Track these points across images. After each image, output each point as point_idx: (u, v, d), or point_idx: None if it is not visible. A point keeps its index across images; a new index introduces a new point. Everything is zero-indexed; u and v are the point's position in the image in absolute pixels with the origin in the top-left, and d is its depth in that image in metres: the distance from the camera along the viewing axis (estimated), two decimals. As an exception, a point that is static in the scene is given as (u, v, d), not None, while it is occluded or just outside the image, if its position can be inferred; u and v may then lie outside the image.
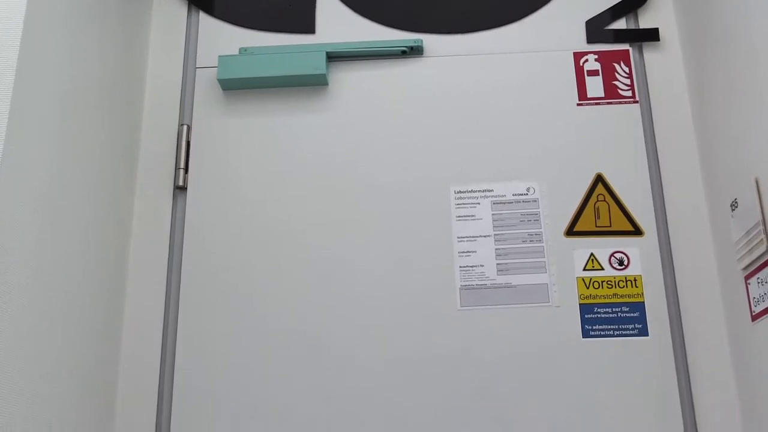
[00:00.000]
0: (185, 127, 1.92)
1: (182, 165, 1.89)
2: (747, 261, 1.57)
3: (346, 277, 1.79)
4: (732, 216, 1.64)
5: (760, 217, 1.50)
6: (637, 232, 1.78)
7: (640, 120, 1.86)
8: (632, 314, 1.72)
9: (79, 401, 1.55)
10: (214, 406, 1.73)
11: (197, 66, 1.97)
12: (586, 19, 1.94)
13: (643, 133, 1.85)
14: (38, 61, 1.42)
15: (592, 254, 1.77)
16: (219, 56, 1.92)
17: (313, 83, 1.93)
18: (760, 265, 1.52)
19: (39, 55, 1.42)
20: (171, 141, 1.92)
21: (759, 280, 1.52)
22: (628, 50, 1.92)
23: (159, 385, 1.75)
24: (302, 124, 1.91)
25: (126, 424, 1.72)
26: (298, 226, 1.83)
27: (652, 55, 1.91)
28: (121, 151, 1.80)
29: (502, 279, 1.77)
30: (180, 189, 1.89)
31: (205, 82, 1.96)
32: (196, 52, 1.99)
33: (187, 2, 2.02)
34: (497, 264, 1.77)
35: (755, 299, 1.55)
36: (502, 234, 1.80)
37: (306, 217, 1.84)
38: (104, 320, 1.69)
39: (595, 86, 1.89)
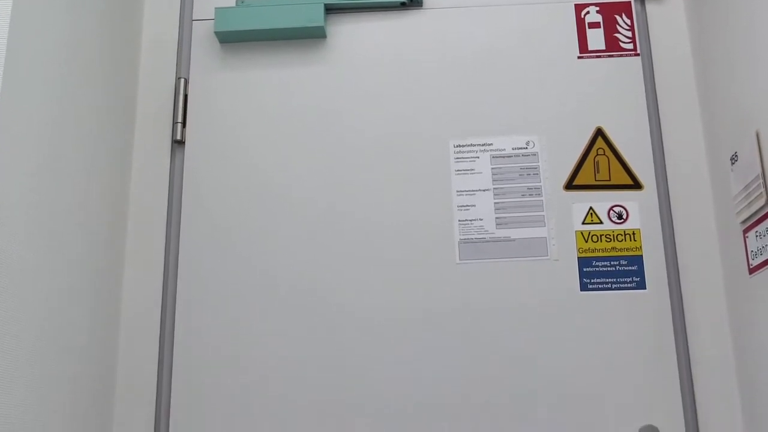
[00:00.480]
0: (182, 80, 1.90)
1: (180, 119, 1.88)
2: (746, 214, 1.57)
3: (345, 230, 1.79)
4: (732, 170, 1.63)
5: (759, 171, 1.50)
6: (636, 186, 1.78)
7: (641, 73, 1.84)
8: (630, 268, 1.73)
9: (81, 354, 1.57)
10: (214, 354, 1.74)
11: (194, 18, 1.95)
12: (588, -30, 1.92)
13: (644, 87, 1.83)
14: (34, 15, 1.40)
15: (591, 208, 1.77)
16: (216, 8, 1.90)
17: (311, 36, 1.91)
18: (759, 218, 1.52)
19: (34, 10, 1.40)
20: (168, 95, 1.90)
21: (757, 234, 1.53)
22: (629, 2, 1.89)
23: (160, 332, 1.76)
24: (300, 77, 1.90)
25: (127, 365, 1.74)
26: (297, 179, 1.83)
27: (653, 7, 1.89)
28: (118, 106, 1.79)
29: (501, 233, 1.77)
30: (178, 143, 1.88)
31: (202, 34, 1.94)
32: (192, 4, 1.96)
33: (182, -47, 1.99)
34: (496, 218, 1.78)
35: (753, 252, 1.55)
36: (501, 188, 1.80)
37: (304, 170, 1.84)
38: (104, 273, 1.69)
39: (596, 39, 1.87)
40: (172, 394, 1.73)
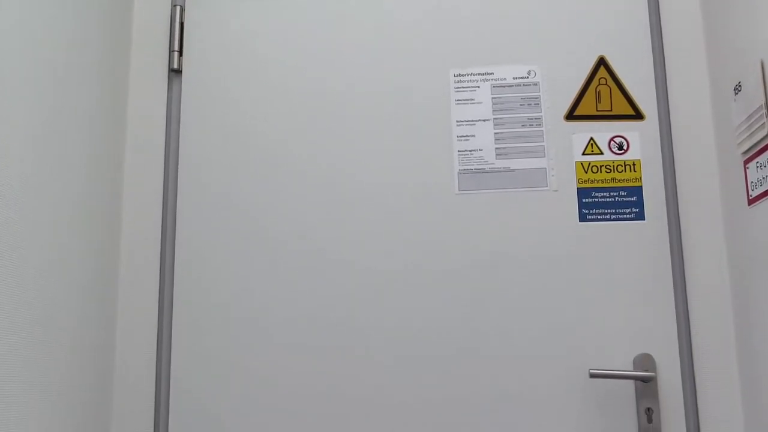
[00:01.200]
0: (178, 8, 1.87)
1: (176, 47, 1.85)
2: (747, 145, 1.56)
3: (344, 159, 1.78)
4: (734, 99, 1.62)
5: (763, 101, 1.48)
6: (638, 116, 1.76)
7: (645, 1, 1.81)
8: (630, 198, 1.73)
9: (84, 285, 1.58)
10: (212, 287, 1.76)
11: (189, -57, 1.91)
12: None
13: (647, 15, 1.80)
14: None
15: (591, 138, 1.76)
16: (211, -68, 1.85)
17: (309, -39, 1.87)
18: (761, 149, 1.51)
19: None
20: (164, 23, 1.87)
21: (758, 164, 1.52)
22: (635, -74, 1.84)
23: (160, 264, 1.78)
24: (296, 4, 1.86)
25: (129, 282, 1.76)
26: (297, 107, 1.81)
27: (660, -68, 1.84)
28: (113, 34, 1.76)
29: (501, 163, 1.76)
30: (175, 72, 1.86)
31: (198, -40, 1.90)
32: (187, -72, 1.91)
33: None
34: (496, 148, 1.77)
35: (753, 183, 1.55)
36: (501, 118, 1.78)
37: (304, 99, 1.82)
38: (103, 200, 1.69)
39: (600, -35, 1.83)
40: (173, 332, 1.75)
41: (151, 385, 1.72)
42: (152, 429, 1.71)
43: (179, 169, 1.80)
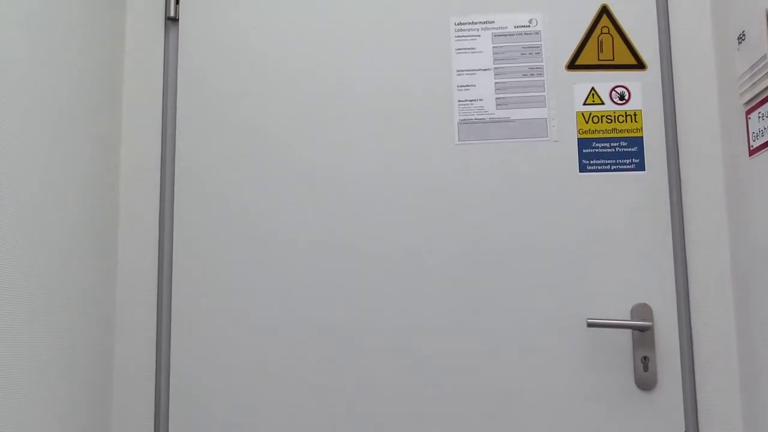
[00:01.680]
0: (174, -47, 1.84)
1: (173, -6, 1.83)
2: (749, 95, 1.55)
3: (344, 108, 1.77)
4: (738, 49, 1.60)
5: (766, 50, 1.47)
6: (640, 65, 1.75)
7: (650, -53, 1.78)
8: (630, 149, 1.72)
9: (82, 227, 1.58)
10: (213, 214, 1.76)
11: None
12: None
13: (651, -38, 1.77)
14: None
15: (592, 88, 1.75)
16: None
17: None
18: (763, 99, 1.50)
19: None
20: (160, -31, 1.84)
21: (760, 115, 1.51)
22: None
23: (160, 196, 1.78)
24: (297, -50, 1.84)
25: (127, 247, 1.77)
26: (294, 57, 1.80)
27: None
28: (108, -21, 1.73)
29: (502, 113, 1.75)
30: (172, 20, 1.83)
31: None
32: None
33: None
34: (497, 98, 1.75)
35: (754, 134, 1.54)
36: (502, 67, 1.76)
37: (302, 48, 1.80)
38: (101, 149, 1.68)
39: None
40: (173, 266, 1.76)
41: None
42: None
43: (177, 118, 1.79)
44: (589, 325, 1.63)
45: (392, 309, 1.71)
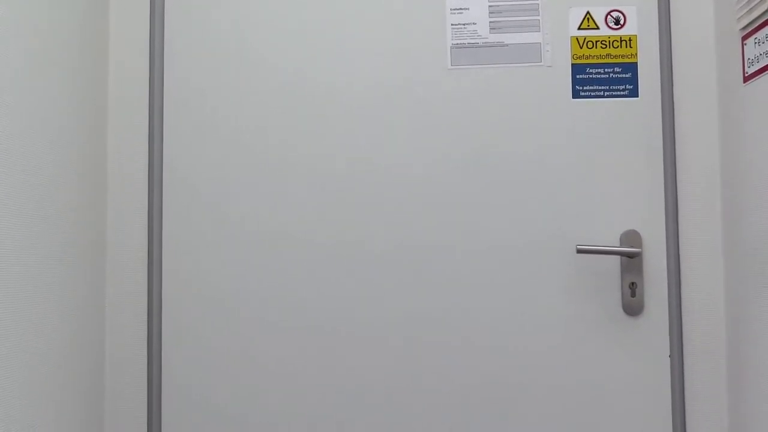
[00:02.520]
0: None
1: None
2: (746, 21, 1.53)
3: (334, 31, 1.74)
4: (736, -27, 1.57)
5: (765, -26, 1.44)
6: (636, -11, 1.72)
7: None
8: (624, 75, 1.70)
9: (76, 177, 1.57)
10: (204, 145, 1.75)
11: None
12: None
13: None
14: None
15: (588, 13, 1.72)
16: None
17: None
18: (760, 24, 1.48)
19: None
20: None
21: (756, 41, 1.49)
22: None
23: (149, 128, 1.76)
24: None
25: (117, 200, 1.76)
26: (287, 21, 1.76)
27: None
28: None
29: (495, 38, 1.72)
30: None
31: None
32: None
33: None
34: (490, 22, 1.72)
35: (750, 60, 1.53)
36: (496, -10, 1.73)
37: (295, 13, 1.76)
38: (89, 74, 1.66)
39: None
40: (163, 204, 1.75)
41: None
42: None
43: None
44: (579, 251, 1.64)
45: (385, 230, 1.72)
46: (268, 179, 1.74)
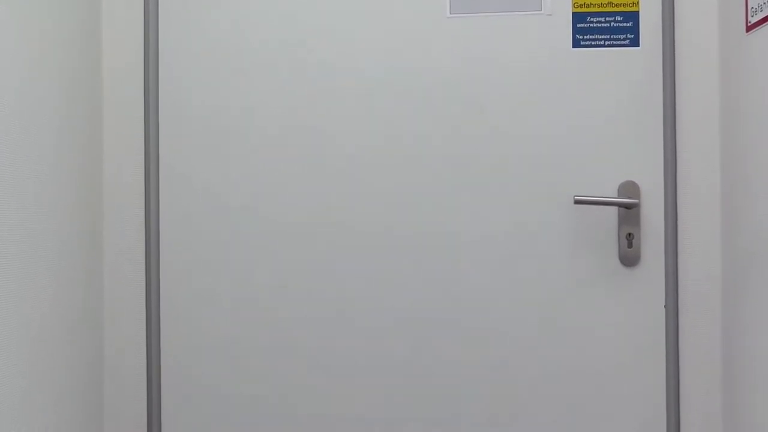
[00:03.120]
0: None
1: None
2: (750, -32, 1.50)
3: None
4: None
5: None
6: (639, -65, 1.68)
7: None
8: (625, 24, 1.68)
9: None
10: (199, 97, 1.74)
11: None
12: None
13: None
14: None
15: (589, -41, 1.69)
16: None
17: None
18: (764, -28, 1.45)
19: None
20: None
21: (760, -11, 1.47)
22: None
23: (144, 75, 1.75)
24: None
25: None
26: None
27: None
28: None
29: (495, -15, 1.70)
30: None
31: None
32: None
33: None
34: (490, -31, 1.70)
35: (753, 9, 1.50)
36: (497, -64, 1.70)
37: None
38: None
39: None
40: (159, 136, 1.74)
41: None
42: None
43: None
44: (576, 201, 1.64)
45: (380, 194, 1.71)
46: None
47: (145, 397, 1.76)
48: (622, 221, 1.67)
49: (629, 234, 1.68)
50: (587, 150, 1.68)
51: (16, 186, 1.35)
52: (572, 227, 1.69)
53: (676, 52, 1.67)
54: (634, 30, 1.67)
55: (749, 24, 1.52)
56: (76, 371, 1.59)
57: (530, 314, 1.69)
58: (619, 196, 1.67)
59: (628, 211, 1.67)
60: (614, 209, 1.68)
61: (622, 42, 1.67)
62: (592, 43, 1.68)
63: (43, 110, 1.45)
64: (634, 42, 1.67)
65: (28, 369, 1.38)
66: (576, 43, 1.68)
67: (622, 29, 1.67)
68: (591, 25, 1.68)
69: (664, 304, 1.67)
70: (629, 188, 1.67)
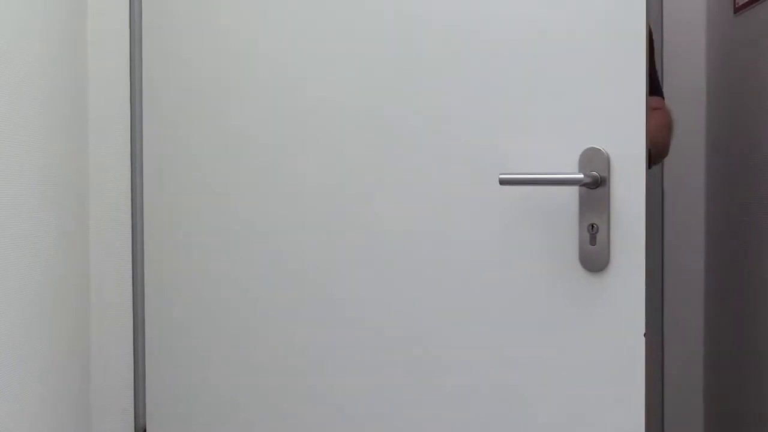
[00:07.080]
0: None
1: None
2: (739, -52, 1.39)
3: None
4: None
5: None
6: None
7: None
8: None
9: None
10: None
11: None
12: None
13: None
14: None
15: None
16: None
17: None
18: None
19: None
20: None
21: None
22: None
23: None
24: None
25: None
26: None
27: None
28: None
29: None
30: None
31: None
32: None
33: None
34: None
35: (742, -10, 1.37)
36: None
37: None
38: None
39: None
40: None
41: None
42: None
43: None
44: (502, 182, 1.14)
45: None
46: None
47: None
48: (583, 207, 1.16)
49: (592, 225, 1.15)
50: (541, 104, 1.21)
51: None
52: (515, 216, 1.16)
53: (663, 31, 1.41)
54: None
55: (737, 5, 1.37)
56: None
57: (453, 341, 1.08)
58: (581, 168, 1.18)
59: (592, 192, 1.16)
60: (574, 191, 1.17)
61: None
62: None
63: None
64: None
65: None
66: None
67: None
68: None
69: (643, 331, 1.09)
70: (593, 157, 1.18)
